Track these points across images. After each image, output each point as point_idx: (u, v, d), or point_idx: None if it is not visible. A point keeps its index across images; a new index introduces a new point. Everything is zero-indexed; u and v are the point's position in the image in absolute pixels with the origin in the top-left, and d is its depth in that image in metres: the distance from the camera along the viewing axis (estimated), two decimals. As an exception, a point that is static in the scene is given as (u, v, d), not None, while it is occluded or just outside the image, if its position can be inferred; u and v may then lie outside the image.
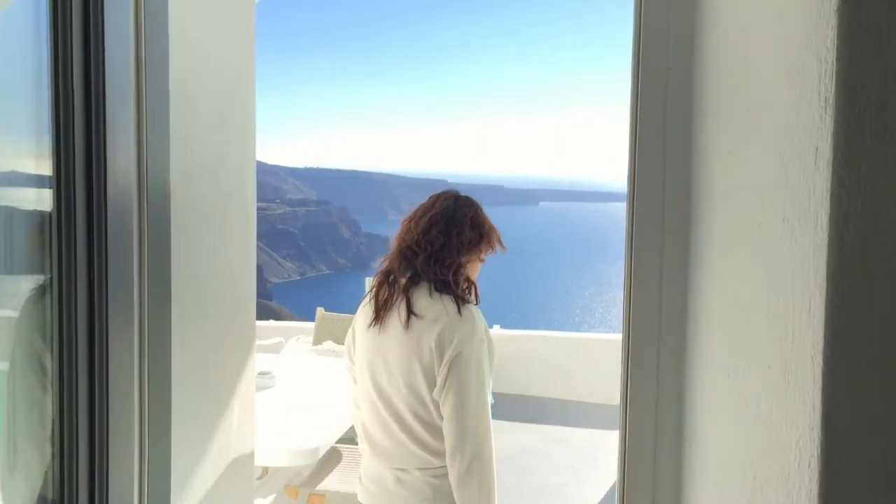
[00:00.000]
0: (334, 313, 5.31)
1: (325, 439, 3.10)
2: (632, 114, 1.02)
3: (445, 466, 1.99)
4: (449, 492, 1.98)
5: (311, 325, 6.41)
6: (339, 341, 4.83)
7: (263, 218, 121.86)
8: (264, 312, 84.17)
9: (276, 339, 6.31)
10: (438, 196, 2.23)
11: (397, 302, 2.03)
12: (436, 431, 2.00)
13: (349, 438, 3.47)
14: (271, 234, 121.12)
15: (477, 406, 1.94)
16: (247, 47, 1.96)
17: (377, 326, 2.04)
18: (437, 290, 2.02)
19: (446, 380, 1.94)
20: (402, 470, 2.04)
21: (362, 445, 2.15)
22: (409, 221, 2.18)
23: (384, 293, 2.08)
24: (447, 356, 1.93)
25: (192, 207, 1.61)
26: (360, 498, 2.16)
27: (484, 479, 1.95)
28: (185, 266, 1.57)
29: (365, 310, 2.14)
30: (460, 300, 2.00)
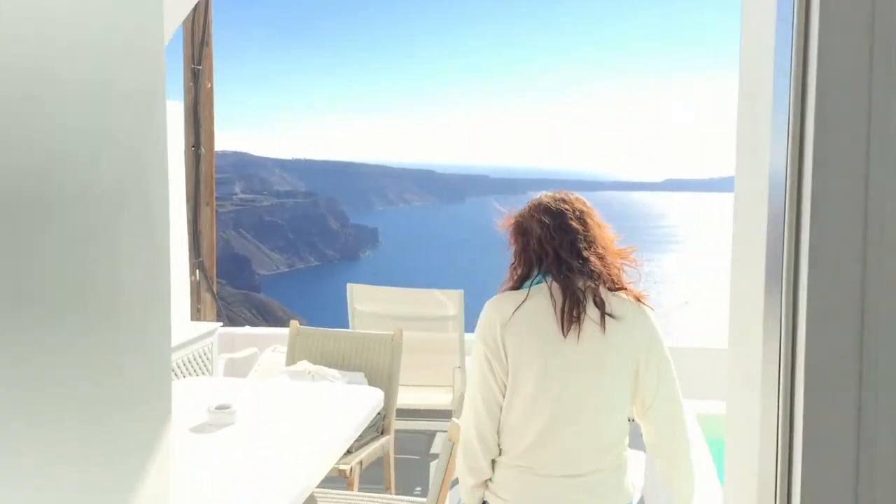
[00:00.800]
0: (310, 327, 4.46)
1: (299, 492, 2.37)
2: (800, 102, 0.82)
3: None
4: None
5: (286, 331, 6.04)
6: (316, 360, 4.24)
7: (251, 210, 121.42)
8: (254, 305, 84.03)
9: (249, 351, 5.59)
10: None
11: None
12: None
13: (330, 478, 3.02)
14: (259, 226, 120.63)
15: None
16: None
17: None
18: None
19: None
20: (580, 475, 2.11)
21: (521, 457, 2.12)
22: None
23: None
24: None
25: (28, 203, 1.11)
26: None
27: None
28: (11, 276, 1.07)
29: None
30: None
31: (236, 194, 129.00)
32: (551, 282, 2.11)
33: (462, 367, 4.56)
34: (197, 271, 7.01)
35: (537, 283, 2.13)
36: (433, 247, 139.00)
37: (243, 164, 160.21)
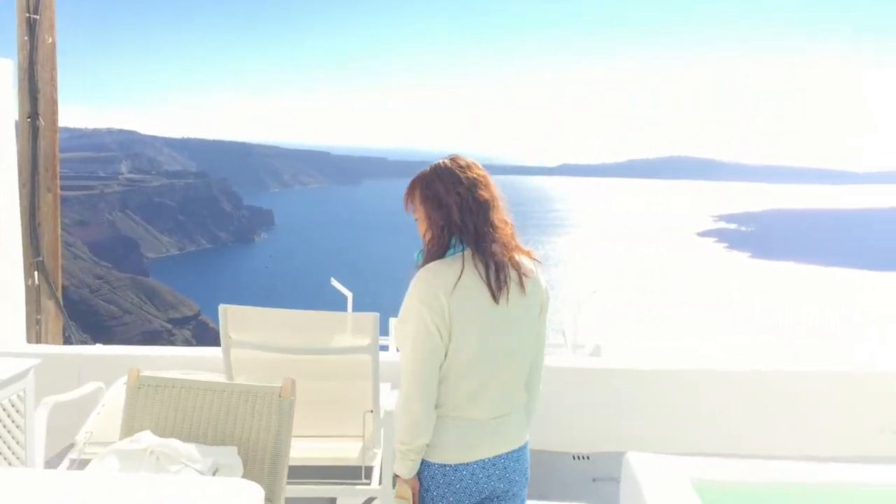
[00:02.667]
0: (160, 374, 3.29)
1: None
2: None
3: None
4: None
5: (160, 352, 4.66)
6: (168, 426, 3.05)
7: (139, 190, 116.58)
8: (142, 290, 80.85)
9: (90, 387, 3.98)
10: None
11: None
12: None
13: None
14: (148, 208, 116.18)
15: None
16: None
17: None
18: None
19: None
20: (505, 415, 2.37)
21: (468, 411, 2.30)
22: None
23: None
24: None
25: None
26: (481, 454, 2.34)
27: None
28: None
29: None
30: None
31: (122, 174, 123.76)
32: (472, 252, 2.24)
33: (376, 410, 3.59)
34: (35, 273, 5.77)
35: (458, 251, 2.26)
36: (330, 229, 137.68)
37: (130, 143, 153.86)
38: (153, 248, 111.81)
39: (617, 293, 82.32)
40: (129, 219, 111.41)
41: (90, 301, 68.54)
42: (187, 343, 69.71)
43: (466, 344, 2.22)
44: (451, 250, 2.27)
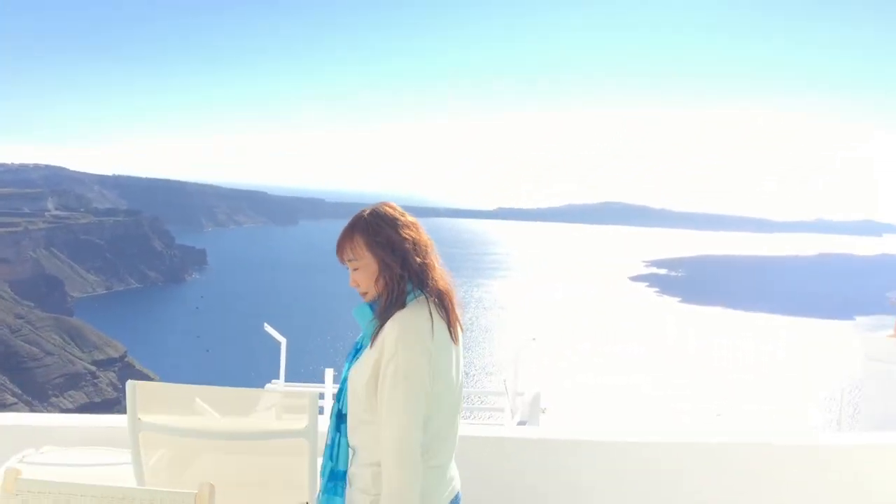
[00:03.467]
0: (42, 481, 2.35)
1: None
2: None
3: None
4: None
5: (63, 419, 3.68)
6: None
7: (66, 227, 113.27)
8: (65, 330, 77.96)
9: None
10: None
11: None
12: None
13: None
14: (74, 245, 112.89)
15: None
16: None
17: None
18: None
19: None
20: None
21: (439, 456, 2.25)
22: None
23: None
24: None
25: None
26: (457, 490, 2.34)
27: None
28: None
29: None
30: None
31: (49, 210, 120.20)
32: (427, 293, 2.21)
33: (311, 502, 3.02)
34: None
35: (417, 296, 2.21)
36: (266, 270, 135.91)
37: (57, 179, 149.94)
38: (79, 286, 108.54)
39: (554, 337, 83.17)
40: (53, 257, 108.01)
41: (10, 342, 65.95)
42: (112, 386, 67.48)
43: (441, 388, 2.20)
44: (411, 296, 2.21)
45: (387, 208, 2.29)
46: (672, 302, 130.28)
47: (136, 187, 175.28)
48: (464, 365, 2.35)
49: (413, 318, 2.15)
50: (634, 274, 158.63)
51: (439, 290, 2.22)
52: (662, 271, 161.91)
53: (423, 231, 2.30)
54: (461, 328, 2.28)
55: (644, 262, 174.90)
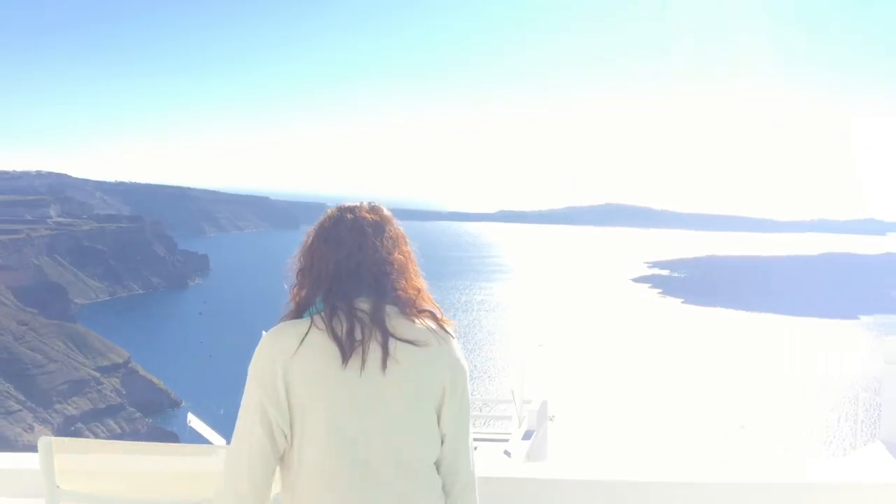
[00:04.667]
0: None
1: None
2: None
3: None
4: None
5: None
6: None
7: (68, 234, 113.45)
8: (69, 336, 78.15)
9: None
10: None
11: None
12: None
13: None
14: (77, 252, 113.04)
15: None
16: None
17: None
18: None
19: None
20: None
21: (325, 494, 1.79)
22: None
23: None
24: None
25: None
26: None
27: None
28: None
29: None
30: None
31: (51, 218, 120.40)
32: (332, 306, 1.82)
33: None
34: None
35: (319, 309, 1.83)
36: (267, 275, 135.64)
37: (60, 186, 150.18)
38: (82, 293, 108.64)
39: (559, 342, 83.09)
40: (57, 263, 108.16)
41: (13, 348, 66.06)
42: (116, 392, 67.58)
43: (314, 428, 1.78)
44: (312, 308, 1.92)
45: (332, 209, 2.01)
46: (675, 303, 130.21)
47: (137, 193, 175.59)
48: (428, 417, 1.84)
49: (273, 333, 1.86)
50: (637, 275, 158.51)
51: (338, 304, 1.82)
52: (665, 272, 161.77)
53: (377, 229, 1.92)
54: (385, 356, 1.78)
55: (646, 263, 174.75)
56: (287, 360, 1.76)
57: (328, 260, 1.86)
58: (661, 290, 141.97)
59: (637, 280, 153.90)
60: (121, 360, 72.19)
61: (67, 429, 61.48)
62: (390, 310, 1.81)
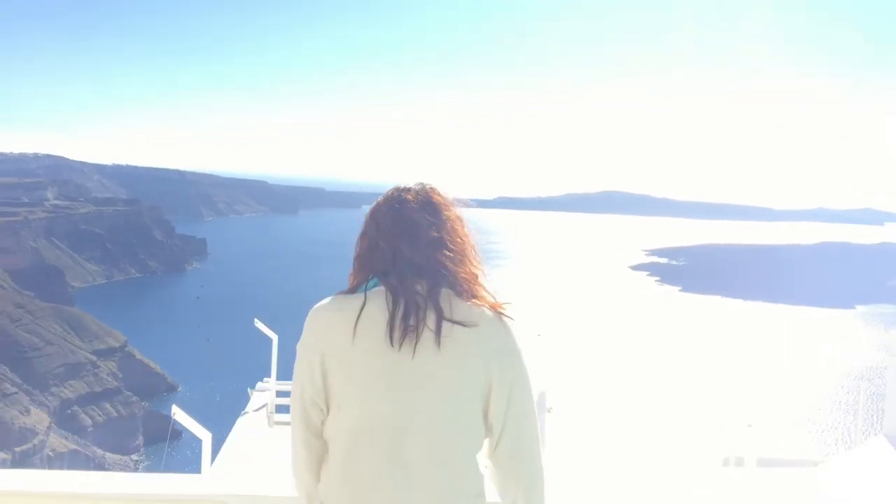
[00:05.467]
0: None
1: None
2: None
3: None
4: None
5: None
6: None
7: (66, 217, 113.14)
8: (65, 319, 78.00)
9: None
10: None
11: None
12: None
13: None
14: (74, 235, 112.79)
15: None
16: None
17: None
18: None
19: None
20: None
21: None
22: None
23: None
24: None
25: None
26: None
27: None
28: None
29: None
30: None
31: (49, 200, 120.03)
32: (388, 284, 1.76)
33: None
34: None
35: (373, 286, 1.78)
36: (265, 259, 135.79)
37: (57, 169, 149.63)
38: (79, 276, 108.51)
39: (556, 330, 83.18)
40: (54, 246, 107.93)
41: (10, 331, 66.00)
42: (112, 376, 67.57)
43: (349, 405, 1.76)
44: (365, 286, 1.85)
45: (395, 190, 1.96)
46: (673, 291, 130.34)
47: (135, 177, 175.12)
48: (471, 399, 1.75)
49: (322, 307, 1.82)
50: (635, 263, 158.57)
51: (392, 283, 1.77)
52: (663, 260, 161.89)
53: (436, 211, 1.86)
54: (438, 338, 1.71)
55: (645, 251, 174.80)
56: (330, 335, 1.75)
57: (380, 237, 1.81)
58: (659, 278, 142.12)
59: (636, 268, 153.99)
60: (117, 344, 72.16)
61: (63, 412, 61.54)
62: (445, 293, 1.75)
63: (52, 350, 66.55)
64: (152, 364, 72.19)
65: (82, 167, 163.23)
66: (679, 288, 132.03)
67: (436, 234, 1.80)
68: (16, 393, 59.22)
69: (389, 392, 1.71)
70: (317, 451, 1.82)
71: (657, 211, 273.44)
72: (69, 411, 62.19)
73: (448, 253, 1.79)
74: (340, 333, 1.73)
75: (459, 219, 1.88)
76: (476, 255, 1.87)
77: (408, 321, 1.70)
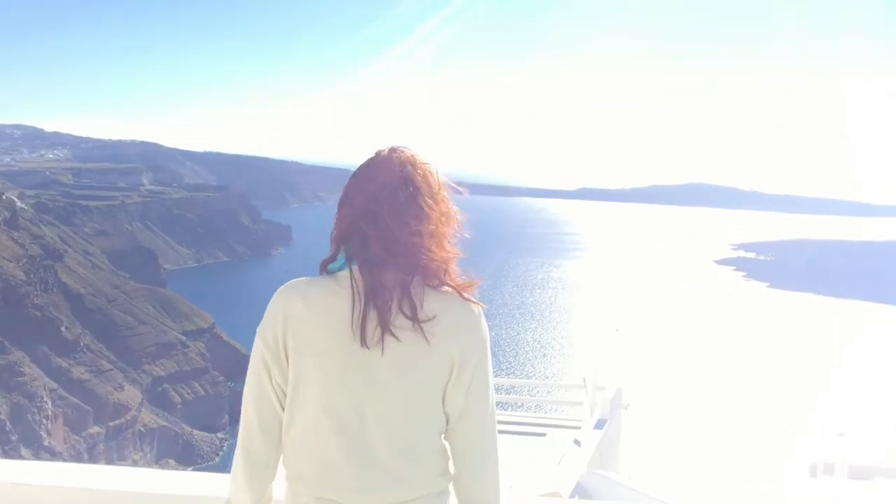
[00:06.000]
0: None
1: None
2: None
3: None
4: None
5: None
6: None
7: (159, 202, 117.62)
8: (158, 300, 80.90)
9: None
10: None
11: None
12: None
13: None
14: (167, 219, 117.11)
15: None
16: None
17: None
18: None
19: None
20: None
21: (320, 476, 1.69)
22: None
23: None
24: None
25: None
26: None
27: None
28: None
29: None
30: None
31: (144, 185, 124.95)
32: (357, 270, 1.66)
33: None
34: None
35: (339, 268, 1.70)
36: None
37: (152, 155, 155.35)
38: (171, 259, 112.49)
39: (635, 324, 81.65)
40: (148, 230, 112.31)
41: (106, 310, 68.94)
42: (201, 356, 69.97)
43: (306, 395, 1.69)
44: (334, 265, 1.77)
45: (385, 154, 1.79)
46: (760, 287, 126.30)
47: (225, 163, 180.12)
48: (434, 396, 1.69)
49: (285, 288, 1.77)
50: (721, 257, 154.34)
51: (363, 270, 1.66)
52: (751, 255, 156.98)
53: (422, 192, 1.70)
54: (411, 332, 1.63)
55: (731, 245, 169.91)
56: (292, 317, 1.67)
57: (356, 215, 1.68)
58: (745, 274, 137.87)
59: (721, 262, 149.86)
60: (206, 325, 74.58)
61: (155, 389, 64.07)
62: (417, 282, 1.65)
63: (145, 330, 69.30)
64: (238, 346, 74.28)
65: (175, 153, 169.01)
66: (767, 284, 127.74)
67: (406, 210, 1.65)
68: (111, 370, 61.99)
69: (350, 384, 1.64)
70: (268, 421, 1.73)
71: (745, 204, 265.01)
72: (160, 389, 64.61)
73: (421, 240, 1.65)
74: (304, 322, 1.66)
75: (438, 193, 1.71)
76: (453, 233, 1.71)
77: (372, 315, 1.63)
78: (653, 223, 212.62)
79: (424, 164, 1.73)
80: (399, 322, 1.62)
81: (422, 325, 1.61)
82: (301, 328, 1.65)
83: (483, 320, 1.71)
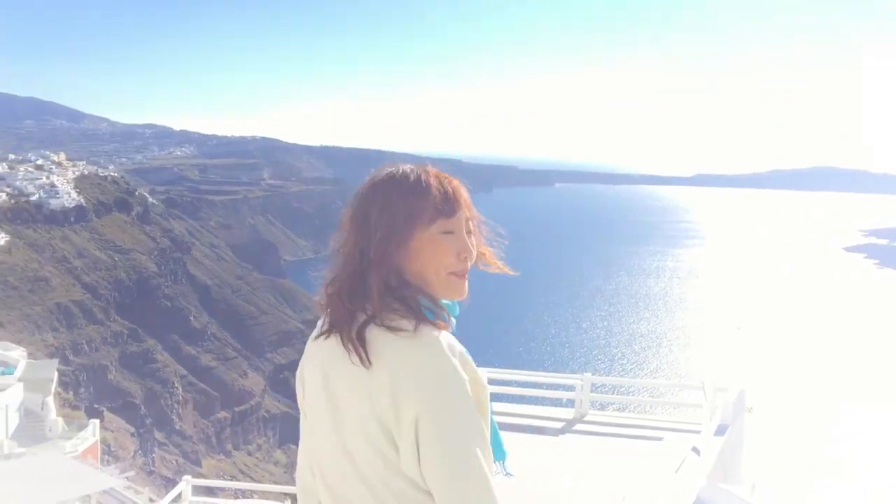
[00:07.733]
0: None
1: None
2: None
3: None
4: None
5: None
6: None
7: (279, 195, 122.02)
8: (279, 291, 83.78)
9: None
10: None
11: None
12: None
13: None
14: (286, 212, 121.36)
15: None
16: None
17: None
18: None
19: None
20: None
21: None
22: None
23: None
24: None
25: None
26: None
27: None
28: None
29: None
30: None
31: (264, 180, 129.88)
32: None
33: None
34: None
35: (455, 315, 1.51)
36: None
37: (272, 150, 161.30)
38: (290, 251, 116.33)
39: (757, 320, 78.25)
40: (269, 223, 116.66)
41: (231, 300, 71.96)
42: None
43: (306, 430, 1.54)
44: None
45: (387, 170, 1.55)
46: (894, 275, 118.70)
47: (340, 157, 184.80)
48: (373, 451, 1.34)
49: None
50: (850, 244, 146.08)
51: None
52: (883, 241, 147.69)
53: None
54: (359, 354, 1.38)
55: (861, 231, 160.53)
56: (302, 366, 1.58)
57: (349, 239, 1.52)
58: (878, 261, 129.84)
59: (850, 249, 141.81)
60: (324, 315, 76.75)
61: (276, 376, 66.47)
62: (363, 316, 1.43)
63: (267, 319, 72.04)
64: (354, 335, 75.86)
65: (293, 148, 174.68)
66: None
67: (368, 235, 1.48)
68: (235, 357, 64.78)
69: (310, 431, 1.51)
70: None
71: (876, 187, 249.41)
72: (281, 376, 66.94)
73: (382, 273, 1.45)
74: (311, 354, 1.58)
75: (404, 208, 1.45)
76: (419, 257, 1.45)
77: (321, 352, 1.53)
78: (774, 209, 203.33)
79: (435, 171, 1.56)
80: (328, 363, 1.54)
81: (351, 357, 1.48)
82: (310, 362, 1.55)
83: (437, 360, 1.36)
